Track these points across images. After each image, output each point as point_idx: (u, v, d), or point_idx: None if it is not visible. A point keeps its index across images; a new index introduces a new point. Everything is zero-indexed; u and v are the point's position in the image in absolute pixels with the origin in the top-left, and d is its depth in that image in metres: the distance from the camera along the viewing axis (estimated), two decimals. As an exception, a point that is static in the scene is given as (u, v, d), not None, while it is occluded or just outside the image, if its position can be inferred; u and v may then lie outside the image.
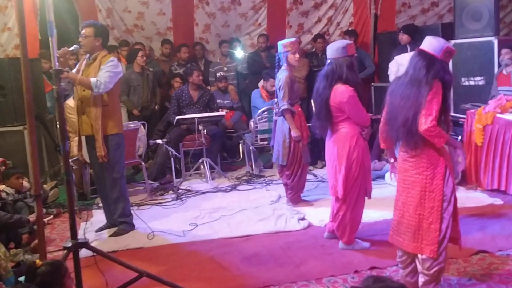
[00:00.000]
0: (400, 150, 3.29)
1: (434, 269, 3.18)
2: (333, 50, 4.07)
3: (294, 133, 5.16)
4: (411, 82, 3.10)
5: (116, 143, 4.77)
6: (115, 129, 4.76)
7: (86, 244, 3.29)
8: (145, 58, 7.41)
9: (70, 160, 5.56)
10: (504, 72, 6.12)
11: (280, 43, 5.25)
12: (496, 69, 6.29)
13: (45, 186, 5.90)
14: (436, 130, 3.02)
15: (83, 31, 4.66)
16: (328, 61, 4.11)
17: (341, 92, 3.96)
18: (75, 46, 4.45)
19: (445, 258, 3.22)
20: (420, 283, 3.26)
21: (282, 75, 5.20)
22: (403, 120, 3.08)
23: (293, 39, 5.53)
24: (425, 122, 3.00)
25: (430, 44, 3.13)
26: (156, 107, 7.72)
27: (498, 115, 5.42)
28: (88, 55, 4.72)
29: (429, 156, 3.14)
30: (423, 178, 3.15)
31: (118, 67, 4.70)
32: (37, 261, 2.69)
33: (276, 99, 5.44)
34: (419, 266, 3.25)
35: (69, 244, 3.18)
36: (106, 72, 4.55)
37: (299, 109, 5.36)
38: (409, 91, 3.08)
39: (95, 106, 4.63)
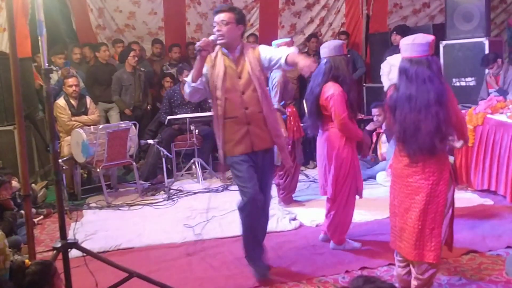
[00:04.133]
0: (401, 155, 3.18)
1: (428, 273, 3.17)
2: (330, 48, 4.06)
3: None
4: (422, 92, 2.98)
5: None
6: None
7: (75, 245, 3.27)
8: (136, 58, 7.38)
9: (60, 160, 5.59)
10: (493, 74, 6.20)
11: (274, 43, 5.24)
12: (487, 70, 6.33)
13: (34, 186, 5.86)
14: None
15: (221, 16, 3.59)
16: (325, 60, 4.09)
17: (328, 89, 3.97)
18: (214, 36, 3.58)
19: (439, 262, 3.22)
20: (412, 286, 3.25)
21: (276, 74, 5.19)
22: (435, 128, 2.96)
23: (288, 39, 5.50)
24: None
25: (416, 49, 3.02)
26: (148, 107, 7.70)
27: (488, 115, 5.44)
28: (222, 49, 3.68)
29: (437, 162, 3.06)
30: (429, 183, 3.06)
31: None
32: (26, 261, 2.67)
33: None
34: (413, 270, 3.22)
35: (59, 245, 3.16)
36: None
37: (293, 109, 5.36)
38: (425, 100, 2.96)
39: (271, 106, 3.80)
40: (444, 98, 2.98)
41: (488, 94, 6.09)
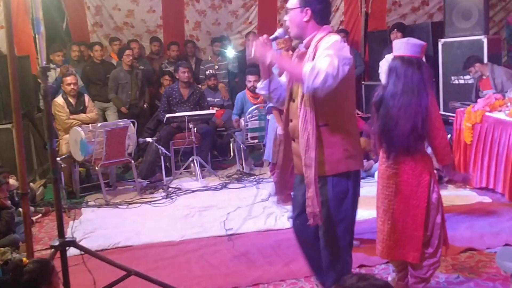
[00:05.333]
0: (382, 156, 3.22)
1: (430, 272, 3.21)
2: None
3: (279, 131, 5.18)
4: (407, 91, 3.03)
5: (341, 189, 2.81)
6: (341, 165, 2.79)
7: (73, 243, 3.27)
8: (131, 57, 7.35)
9: (59, 159, 5.58)
10: (483, 77, 6.27)
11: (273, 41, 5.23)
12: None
13: (32, 184, 5.86)
14: (448, 147, 3.16)
15: (288, 4, 2.86)
16: None
17: None
18: (281, 29, 2.94)
19: (439, 260, 3.24)
20: (410, 281, 3.27)
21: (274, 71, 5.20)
22: (410, 127, 3.02)
23: (286, 36, 5.49)
24: (442, 137, 3.12)
25: (410, 48, 3.08)
26: (145, 105, 7.67)
27: (487, 113, 5.44)
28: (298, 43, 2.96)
29: (416, 164, 3.10)
30: (407, 185, 3.11)
31: (346, 50, 2.67)
32: (24, 259, 2.66)
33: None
34: (412, 271, 3.25)
35: (57, 243, 3.16)
36: (326, 56, 2.57)
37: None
38: (407, 99, 3.02)
39: (306, 124, 2.72)
40: (425, 101, 3.02)
41: (478, 97, 6.20)
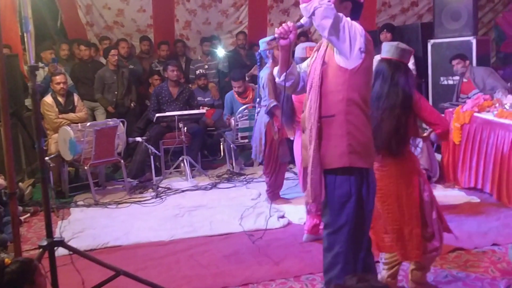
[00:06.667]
0: None
1: (430, 261, 3.31)
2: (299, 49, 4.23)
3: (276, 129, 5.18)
4: (392, 94, 3.09)
5: (343, 192, 2.62)
6: (343, 159, 2.60)
7: (62, 243, 3.25)
8: (117, 57, 7.31)
9: (48, 158, 5.55)
10: (464, 79, 6.33)
11: (262, 41, 5.21)
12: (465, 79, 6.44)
13: (20, 184, 5.81)
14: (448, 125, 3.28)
15: None
16: None
17: None
18: (305, 19, 2.66)
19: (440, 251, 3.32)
20: (410, 267, 3.36)
21: (264, 73, 5.19)
22: (394, 128, 3.07)
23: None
24: (441, 125, 3.22)
25: (399, 52, 3.15)
26: (132, 105, 7.60)
27: (475, 114, 5.48)
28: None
29: (404, 165, 3.15)
30: (397, 186, 3.15)
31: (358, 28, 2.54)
32: (6, 259, 2.63)
33: (258, 99, 5.43)
34: (415, 264, 3.32)
35: (45, 243, 3.14)
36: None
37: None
38: (392, 102, 3.08)
39: (310, 115, 2.66)
40: (409, 103, 3.09)
41: (458, 99, 6.25)
